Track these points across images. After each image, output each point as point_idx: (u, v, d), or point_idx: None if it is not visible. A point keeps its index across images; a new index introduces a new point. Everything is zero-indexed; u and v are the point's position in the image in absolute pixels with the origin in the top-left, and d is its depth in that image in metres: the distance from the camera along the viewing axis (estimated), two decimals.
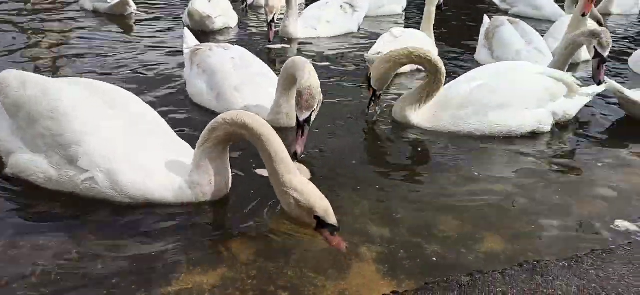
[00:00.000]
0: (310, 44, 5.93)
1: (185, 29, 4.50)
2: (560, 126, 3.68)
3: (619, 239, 2.35)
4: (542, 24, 7.08)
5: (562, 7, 7.88)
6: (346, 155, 3.13)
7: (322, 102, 2.95)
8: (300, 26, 6.09)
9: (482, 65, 4.60)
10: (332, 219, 2.16)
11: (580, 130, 3.72)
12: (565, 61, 4.10)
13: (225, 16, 6.53)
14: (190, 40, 4.28)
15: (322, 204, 2.14)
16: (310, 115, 2.84)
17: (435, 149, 3.30)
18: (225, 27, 6.51)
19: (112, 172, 2.33)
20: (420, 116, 3.47)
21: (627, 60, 5.57)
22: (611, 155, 3.28)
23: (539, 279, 2.01)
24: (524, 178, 2.93)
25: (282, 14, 6.04)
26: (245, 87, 3.55)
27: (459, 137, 3.41)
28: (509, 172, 3.01)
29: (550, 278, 2.01)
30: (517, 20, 5.33)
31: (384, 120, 3.73)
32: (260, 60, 3.90)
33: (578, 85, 3.61)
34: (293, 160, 2.76)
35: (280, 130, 3.17)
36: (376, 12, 7.60)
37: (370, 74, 3.53)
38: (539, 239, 2.33)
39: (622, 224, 2.48)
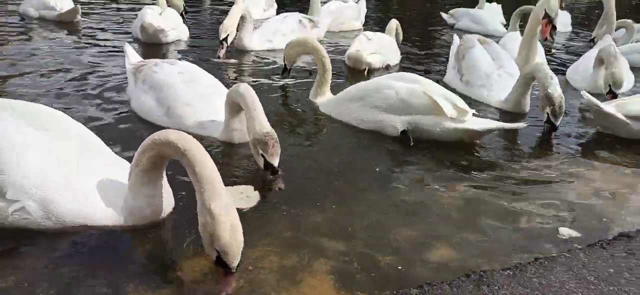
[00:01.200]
0: (267, 59, 5.95)
1: (127, 45, 4.33)
2: (512, 137, 3.81)
3: (561, 247, 2.43)
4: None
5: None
6: (306, 165, 3.15)
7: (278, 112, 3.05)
8: (255, 38, 6.19)
9: (450, 86, 4.68)
10: (229, 260, 1.97)
11: (530, 141, 3.86)
12: (523, 93, 4.25)
13: (177, 29, 6.53)
14: (132, 57, 4.16)
15: (225, 240, 1.93)
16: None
17: (402, 159, 3.36)
18: (178, 39, 6.50)
19: (46, 201, 2.20)
20: (325, 104, 4.12)
21: (565, 72, 5.88)
22: (560, 165, 3.41)
23: (485, 289, 2.06)
24: (474, 187, 3.00)
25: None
26: (197, 102, 3.50)
27: (412, 144, 3.54)
28: (459, 181, 3.08)
29: (495, 287, 2.07)
30: (489, 40, 5.08)
31: (343, 128, 3.80)
32: (210, 75, 3.84)
33: (461, 110, 3.51)
34: (272, 175, 2.87)
35: (232, 146, 3.30)
36: (339, 27, 7.98)
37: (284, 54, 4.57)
38: (486, 248, 2.39)
39: (565, 232, 2.58)
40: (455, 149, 3.52)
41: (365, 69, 5.52)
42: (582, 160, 3.55)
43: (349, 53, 5.57)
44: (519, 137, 3.90)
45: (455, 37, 5.50)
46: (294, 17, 6.79)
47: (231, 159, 3.21)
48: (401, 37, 6.71)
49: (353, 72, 5.55)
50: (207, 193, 1.99)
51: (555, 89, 3.80)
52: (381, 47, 5.71)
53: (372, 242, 2.36)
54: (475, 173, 3.19)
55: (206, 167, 2.04)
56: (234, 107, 3.16)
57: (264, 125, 2.88)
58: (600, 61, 4.99)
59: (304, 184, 2.91)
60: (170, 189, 2.46)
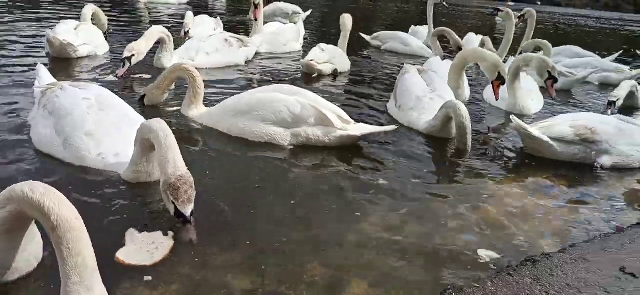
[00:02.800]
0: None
1: (40, 64, 3.95)
2: (433, 158, 3.79)
3: (482, 271, 2.36)
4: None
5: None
6: (217, 195, 2.89)
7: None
8: (176, 58, 5.92)
9: (391, 114, 4.89)
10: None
11: (451, 164, 3.85)
12: (445, 122, 4.25)
13: (91, 44, 6.17)
14: (44, 78, 3.76)
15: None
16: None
17: (317, 187, 3.18)
18: (92, 55, 6.14)
19: None
20: (202, 117, 4.12)
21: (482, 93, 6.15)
22: (476, 188, 3.39)
23: None
24: (392, 212, 2.89)
25: (157, 45, 5.78)
26: (102, 133, 3.12)
27: (327, 175, 3.39)
28: (376, 207, 2.96)
29: None
30: (427, 69, 5.17)
31: (258, 153, 3.57)
32: (123, 102, 3.48)
33: (344, 120, 3.86)
34: (183, 224, 2.49)
35: (139, 186, 2.91)
36: (281, 49, 7.96)
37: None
38: (405, 279, 2.27)
39: (485, 254, 2.52)
40: (371, 172, 3.44)
41: (316, 75, 6.44)
42: (505, 181, 3.57)
43: (303, 61, 6.52)
44: (440, 160, 3.89)
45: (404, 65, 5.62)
46: (220, 35, 6.61)
47: (137, 200, 2.80)
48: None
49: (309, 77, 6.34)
50: (73, 282, 1.59)
51: (462, 117, 3.95)
52: (333, 57, 6.70)
53: (284, 278, 2.17)
54: (393, 198, 3.09)
55: (77, 245, 1.61)
56: (145, 145, 2.79)
57: (178, 166, 2.52)
58: (514, 77, 5.40)
59: (216, 218, 2.66)
60: (39, 242, 2.07)
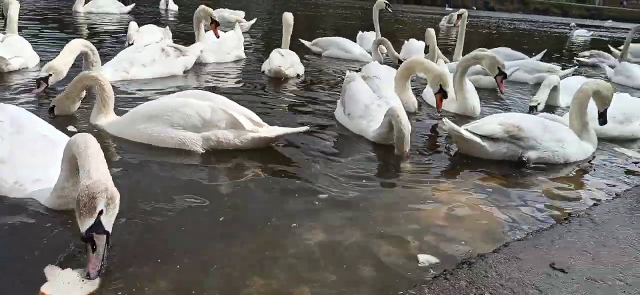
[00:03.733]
0: (125, 92, 5.42)
1: None
2: (363, 168, 3.75)
3: (421, 276, 2.39)
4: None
5: None
6: (145, 217, 2.74)
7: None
8: (108, 70, 5.65)
9: (340, 121, 4.86)
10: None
11: (388, 169, 3.88)
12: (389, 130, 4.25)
13: (22, 57, 5.89)
14: None
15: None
16: (99, 224, 2.15)
17: (248, 195, 3.10)
18: (23, 68, 5.86)
19: None
20: (112, 125, 4.03)
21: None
22: (415, 192, 3.44)
23: None
24: (328, 223, 2.85)
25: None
26: (17, 158, 2.85)
27: (258, 182, 3.35)
28: (314, 214, 2.92)
29: None
30: (371, 76, 5.08)
31: (198, 167, 3.44)
32: (44, 122, 3.23)
33: (255, 122, 3.94)
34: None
35: (64, 214, 2.63)
36: (224, 58, 7.85)
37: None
38: (346, 288, 2.24)
39: (425, 259, 2.54)
40: (306, 179, 3.41)
41: (283, 79, 6.84)
42: (443, 184, 3.64)
43: (271, 67, 6.89)
44: (382, 166, 3.91)
45: (347, 73, 5.60)
46: (156, 45, 6.39)
47: (63, 229, 2.53)
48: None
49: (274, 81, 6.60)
50: None
51: (401, 124, 3.98)
52: (293, 61, 7.21)
53: None
54: (332, 206, 3.05)
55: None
56: (72, 164, 2.52)
57: (91, 175, 2.22)
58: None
59: (144, 240, 2.51)
60: None
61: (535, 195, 3.55)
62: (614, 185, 3.88)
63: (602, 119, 4.62)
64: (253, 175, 3.49)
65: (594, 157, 4.51)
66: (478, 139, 4.04)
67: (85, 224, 2.10)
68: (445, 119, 4.18)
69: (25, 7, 8.79)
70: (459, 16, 9.36)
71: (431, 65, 5.36)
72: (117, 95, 4.74)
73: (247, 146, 3.86)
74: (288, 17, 7.72)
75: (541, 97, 5.89)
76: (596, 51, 13.13)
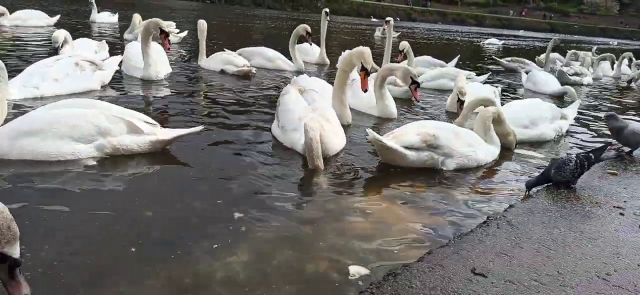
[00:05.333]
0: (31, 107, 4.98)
1: None
2: (289, 183, 3.70)
3: (350, 289, 2.38)
4: None
5: None
6: (56, 254, 2.50)
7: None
8: (17, 84, 5.19)
9: (275, 135, 4.79)
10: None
11: (313, 184, 3.84)
12: None
13: None
14: None
15: None
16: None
17: (156, 219, 2.93)
18: None
19: None
20: None
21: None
22: (342, 204, 3.44)
23: None
24: (255, 244, 2.76)
25: None
26: None
27: (174, 201, 3.16)
28: (237, 240, 2.79)
29: None
30: (308, 89, 5.04)
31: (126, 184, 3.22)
32: None
33: (151, 124, 4.00)
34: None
35: None
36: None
37: None
38: None
39: (355, 271, 2.54)
40: (227, 196, 3.31)
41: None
42: (368, 194, 3.69)
43: (241, 69, 8.19)
44: (307, 180, 3.88)
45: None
46: (69, 59, 5.94)
47: None
48: None
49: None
50: None
51: (309, 137, 3.96)
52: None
53: None
54: (257, 225, 2.96)
55: None
56: None
57: None
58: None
59: (49, 273, 2.30)
60: None
61: (456, 200, 3.69)
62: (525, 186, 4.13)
63: None
64: (166, 194, 3.34)
65: (498, 160, 4.79)
66: (400, 148, 4.15)
67: (16, 249, 1.89)
68: (368, 130, 4.25)
69: None
70: (387, 22, 9.74)
71: (351, 51, 5.61)
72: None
73: (146, 150, 3.90)
74: (201, 25, 8.54)
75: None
76: (516, 58, 14.19)
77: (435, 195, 3.76)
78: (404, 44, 9.26)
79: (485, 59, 17.72)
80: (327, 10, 10.73)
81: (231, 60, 8.52)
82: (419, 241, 2.96)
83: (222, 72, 8.46)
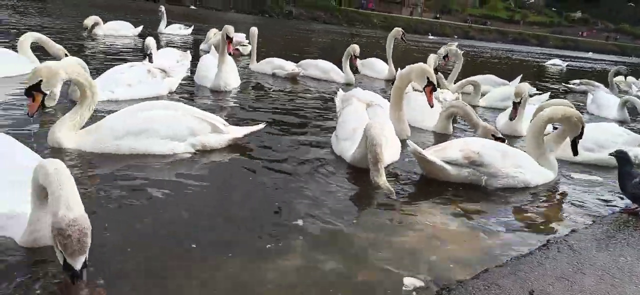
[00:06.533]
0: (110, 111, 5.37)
1: None
2: (339, 192, 3.73)
3: None
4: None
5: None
6: (120, 232, 2.70)
7: None
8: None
9: (332, 144, 4.89)
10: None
11: (362, 194, 3.83)
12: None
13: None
14: None
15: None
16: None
17: (217, 221, 3.07)
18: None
19: None
20: (80, 141, 3.99)
21: None
22: (390, 216, 3.43)
23: None
24: (308, 250, 2.80)
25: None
26: None
27: (235, 208, 3.29)
28: (291, 245, 2.84)
29: None
30: (375, 103, 5.07)
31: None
32: (29, 150, 3.06)
33: (225, 125, 4.48)
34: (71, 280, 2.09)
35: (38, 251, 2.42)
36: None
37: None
38: None
39: (410, 282, 2.56)
40: (282, 201, 3.38)
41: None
42: (416, 207, 3.65)
43: (289, 72, 9.26)
44: (358, 190, 3.89)
45: (339, 92, 5.84)
46: (142, 66, 6.38)
47: (38, 269, 2.31)
48: None
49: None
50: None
51: (371, 137, 3.86)
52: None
53: None
54: (310, 232, 3.01)
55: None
56: (41, 194, 2.33)
57: (70, 207, 2.10)
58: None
59: (122, 268, 2.44)
60: None
61: (511, 220, 3.60)
62: (588, 212, 3.96)
63: (574, 148, 4.70)
64: (226, 194, 3.50)
65: (558, 182, 4.61)
66: (440, 162, 4.11)
67: (79, 261, 2.06)
68: (409, 142, 4.23)
69: (48, 32, 9.02)
70: (446, 58, 9.79)
71: (412, 66, 5.42)
72: (100, 114, 4.72)
73: (224, 145, 4.40)
74: (253, 31, 9.37)
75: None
76: (586, 80, 13.61)
77: (489, 213, 3.68)
78: (453, 50, 9.02)
79: (548, 79, 17.07)
80: (402, 30, 10.96)
81: (281, 64, 9.50)
82: (473, 259, 2.92)
83: (274, 75, 9.44)
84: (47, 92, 3.86)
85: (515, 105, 6.05)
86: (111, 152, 3.97)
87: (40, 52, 7.33)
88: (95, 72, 6.24)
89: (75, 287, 2.10)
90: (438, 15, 68.90)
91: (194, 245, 2.70)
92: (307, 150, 4.82)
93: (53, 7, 24.74)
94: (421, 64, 5.45)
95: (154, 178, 3.61)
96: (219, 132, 4.37)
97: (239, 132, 4.53)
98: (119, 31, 13.64)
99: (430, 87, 5.27)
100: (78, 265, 2.07)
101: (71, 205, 2.10)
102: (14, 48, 7.03)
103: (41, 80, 3.81)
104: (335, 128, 4.99)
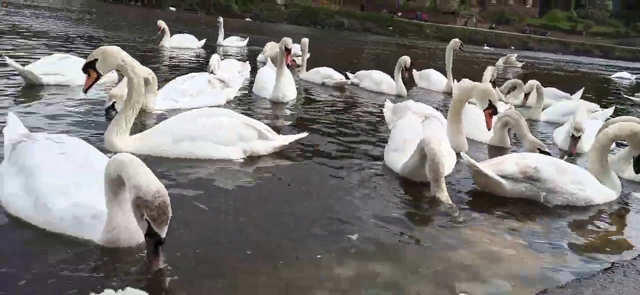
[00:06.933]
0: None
1: (11, 113, 3.57)
2: (390, 204, 3.71)
3: None
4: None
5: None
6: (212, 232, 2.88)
7: None
8: (159, 99, 5.98)
9: (384, 154, 4.90)
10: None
11: (415, 207, 3.81)
12: (418, 163, 4.09)
13: (61, 75, 6.59)
14: (14, 128, 3.34)
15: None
16: None
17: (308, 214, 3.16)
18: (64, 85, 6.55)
19: None
20: (132, 144, 4.15)
21: None
22: (443, 230, 3.40)
23: None
24: (361, 262, 2.82)
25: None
26: (77, 191, 2.74)
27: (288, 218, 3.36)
28: (344, 257, 2.86)
29: None
30: (433, 116, 5.10)
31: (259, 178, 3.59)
32: (104, 156, 3.20)
33: (270, 132, 4.58)
34: (155, 251, 2.32)
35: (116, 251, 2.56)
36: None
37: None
38: None
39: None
40: (339, 219, 3.36)
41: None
42: (470, 222, 3.58)
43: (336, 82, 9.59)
44: (410, 202, 3.87)
45: (387, 103, 6.04)
46: (202, 76, 6.69)
47: (117, 267, 2.45)
48: None
49: None
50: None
51: (431, 150, 3.82)
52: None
53: None
54: (363, 244, 3.02)
55: None
56: (116, 189, 2.47)
57: (152, 181, 2.30)
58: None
59: (200, 257, 2.62)
60: None
61: (570, 241, 3.46)
62: None
63: (637, 166, 4.46)
64: (278, 202, 3.56)
65: (620, 202, 4.38)
66: (495, 176, 4.02)
67: (164, 230, 2.31)
68: (463, 154, 4.16)
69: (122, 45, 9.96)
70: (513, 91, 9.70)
71: (475, 84, 5.31)
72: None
73: (270, 151, 4.53)
74: (304, 41, 9.53)
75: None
76: None
77: (547, 231, 3.56)
78: (532, 83, 8.59)
79: (614, 93, 16.18)
80: (460, 41, 10.73)
81: (330, 74, 9.88)
82: (530, 278, 2.84)
83: (322, 84, 9.78)
84: (102, 73, 4.10)
85: (575, 140, 5.74)
86: (167, 156, 4.15)
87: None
88: (162, 82, 6.60)
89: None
90: (494, 26, 67.04)
91: (250, 252, 2.78)
92: (358, 160, 4.87)
93: (118, 20, 26.28)
94: (486, 85, 5.24)
95: (209, 183, 3.75)
96: (265, 139, 4.50)
97: (285, 139, 4.65)
98: (183, 44, 14.40)
99: (491, 111, 5.04)
100: (164, 233, 2.29)
101: (151, 180, 2.31)
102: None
103: (97, 60, 4.04)
104: (388, 140, 5.00)
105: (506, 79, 11.31)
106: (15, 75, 6.71)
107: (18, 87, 6.32)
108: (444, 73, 10.95)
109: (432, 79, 11.24)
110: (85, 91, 4.25)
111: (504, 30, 64.32)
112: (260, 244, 2.91)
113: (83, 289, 2.21)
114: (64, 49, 10.55)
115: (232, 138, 4.32)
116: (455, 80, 10.15)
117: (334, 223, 3.30)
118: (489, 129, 5.23)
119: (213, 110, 4.68)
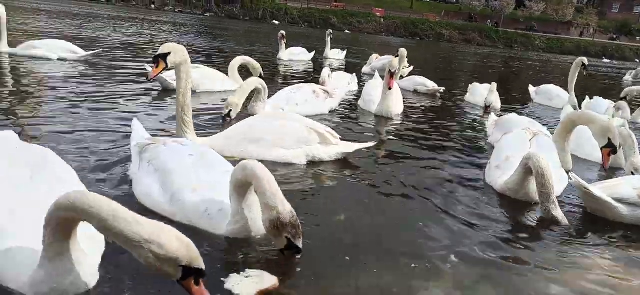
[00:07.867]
0: None
1: (135, 120, 4.06)
2: (489, 221, 3.64)
3: None
4: None
5: None
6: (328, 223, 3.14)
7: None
8: (268, 108, 6.43)
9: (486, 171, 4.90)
10: (199, 263, 2.01)
11: (517, 226, 3.69)
12: (521, 181, 4.02)
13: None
14: (139, 132, 3.85)
15: (184, 251, 1.97)
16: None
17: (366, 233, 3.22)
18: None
19: None
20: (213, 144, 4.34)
21: None
22: (547, 251, 3.27)
23: None
24: (460, 278, 2.80)
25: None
26: (206, 189, 3.08)
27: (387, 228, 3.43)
28: (444, 271, 2.86)
29: None
30: (543, 134, 4.97)
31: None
32: (224, 160, 3.54)
33: (334, 136, 4.72)
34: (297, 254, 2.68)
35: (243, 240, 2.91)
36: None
37: None
38: None
39: None
40: (439, 235, 3.34)
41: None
42: (573, 246, 3.41)
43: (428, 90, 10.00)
44: (511, 220, 3.76)
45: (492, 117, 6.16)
46: (308, 87, 7.05)
47: (241, 254, 2.78)
48: None
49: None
50: (128, 226, 1.94)
51: (539, 166, 3.67)
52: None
53: None
54: (462, 260, 2.99)
55: (117, 210, 1.96)
56: (242, 190, 2.81)
57: (284, 203, 2.65)
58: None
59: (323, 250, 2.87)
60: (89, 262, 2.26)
61: None
62: None
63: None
64: (370, 211, 3.60)
65: None
66: (609, 200, 3.76)
67: (301, 241, 2.70)
68: (571, 174, 3.94)
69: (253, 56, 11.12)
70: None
71: (597, 117, 4.82)
72: None
73: (333, 157, 4.65)
74: (402, 51, 9.51)
75: None
76: None
77: None
78: None
79: None
80: (585, 60, 9.77)
81: (423, 82, 10.32)
82: None
83: (415, 91, 10.27)
84: (171, 66, 4.19)
85: (611, 150, 4.92)
86: (236, 157, 4.24)
87: (246, 73, 8.56)
88: (274, 91, 7.06)
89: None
90: (615, 36, 60.95)
91: (348, 258, 2.90)
92: (457, 174, 4.81)
93: (235, 33, 28.24)
94: (609, 123, 4.72)
95: (290, 187, 3.86)
96: (327, 143, 4.60)
97: (350, 147, 4.73)
98: (297, 56, 15.34)
99: (609, 150, 4.65)
100: (301, 244, 2.69)
101: (284, 201, 2.66)
102: (220, 69, 8.40)
103: (169, 53, 4.16)
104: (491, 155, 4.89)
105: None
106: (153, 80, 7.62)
107: (155, 91, 7.18)
108: (566, 88, 10.04)
109: (552, 94, 10.48)
110: (151, 80, 4.52)
111: (625, 41, 58.17)
112: (356, 252, 2.99)
113: (219, 272, 2.56)
114: (197, 60, 11.81)
115: (292, 141, 4.47)
116: (599, 97, 9.62)
117: (430, 236, 3.28)
118: (605, 168, 4.82)
119: (282, 114, 4.92)
